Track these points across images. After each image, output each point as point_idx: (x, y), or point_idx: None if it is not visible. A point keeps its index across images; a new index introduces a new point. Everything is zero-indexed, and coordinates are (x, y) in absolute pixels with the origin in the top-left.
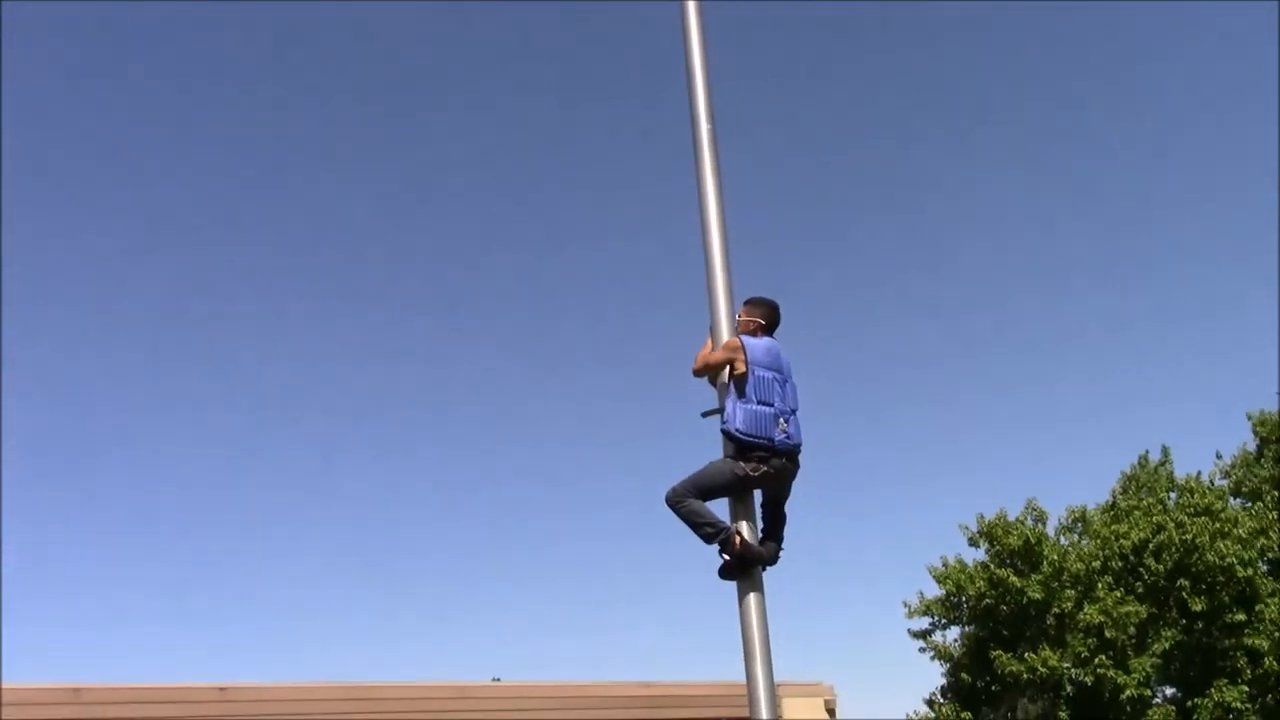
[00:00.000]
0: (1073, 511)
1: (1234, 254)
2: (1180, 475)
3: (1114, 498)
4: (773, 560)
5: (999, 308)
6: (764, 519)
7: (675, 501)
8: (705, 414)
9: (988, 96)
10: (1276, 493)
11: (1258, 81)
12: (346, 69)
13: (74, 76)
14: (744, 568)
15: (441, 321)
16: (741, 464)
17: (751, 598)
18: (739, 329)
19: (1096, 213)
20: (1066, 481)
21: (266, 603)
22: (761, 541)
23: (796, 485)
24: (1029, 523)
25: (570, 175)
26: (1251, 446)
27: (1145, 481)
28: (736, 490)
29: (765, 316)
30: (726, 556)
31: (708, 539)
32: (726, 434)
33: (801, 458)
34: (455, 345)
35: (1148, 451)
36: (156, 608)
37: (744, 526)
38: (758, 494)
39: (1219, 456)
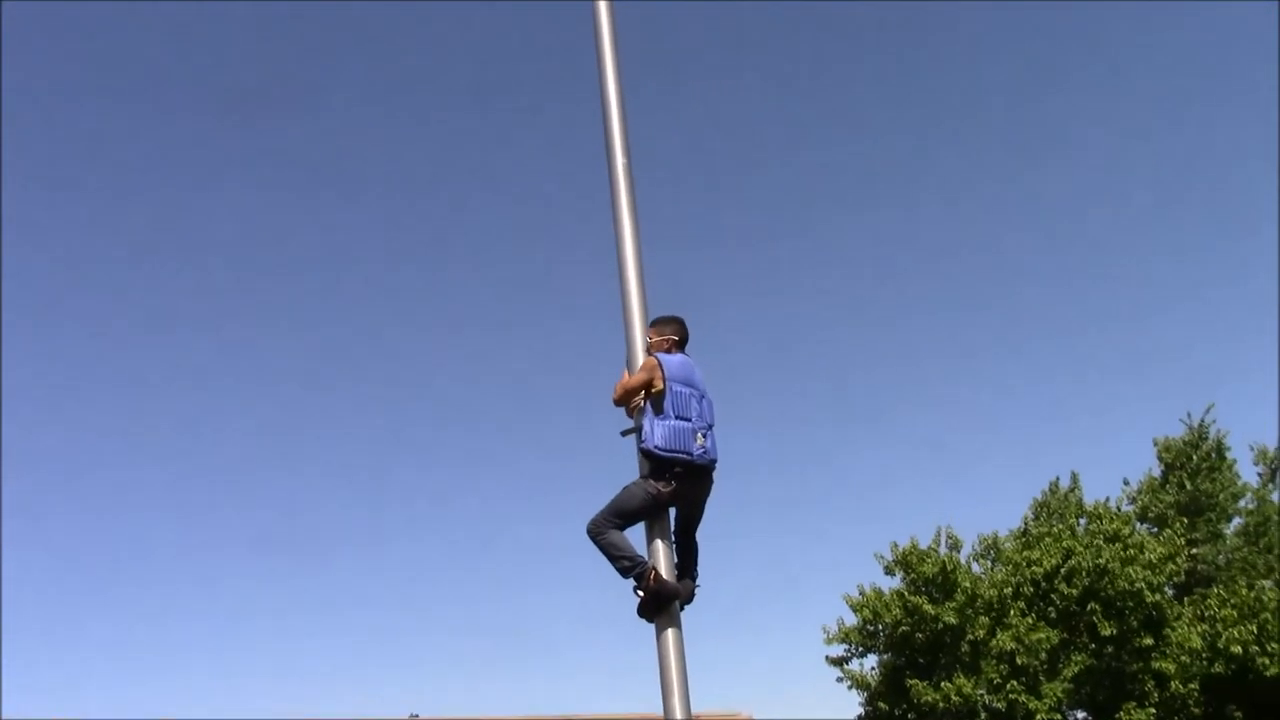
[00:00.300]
0: (985, 539)
1: (1144, 278)
2: (1089, 501)
3: (1025, 524)
4: (688, 598)
5: (914, 328)
6: (677, 551)
7: (595, 533)
8: (624, 432)
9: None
10: (1183, 519)
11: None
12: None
13: None
14: (660, 605)
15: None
16: (654, 483)
17: (669, 633)
18: (651, 349)
19: (1008, 235)
20: (979, 508)
21: (172, 640)
22: (679, 577)
23: (714, 508)
24: (943, 550)
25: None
26: (1157, 472)
27: (1056, 508)
28: (652, 511)
29: (677, 333)
30: (642, 593)
31: (624, 572)
32: (645, 452)
33: (716, 474)
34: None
35: (1058, 478)
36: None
37: (661, 559)
38: (673, 516)
39: (1126, 483)
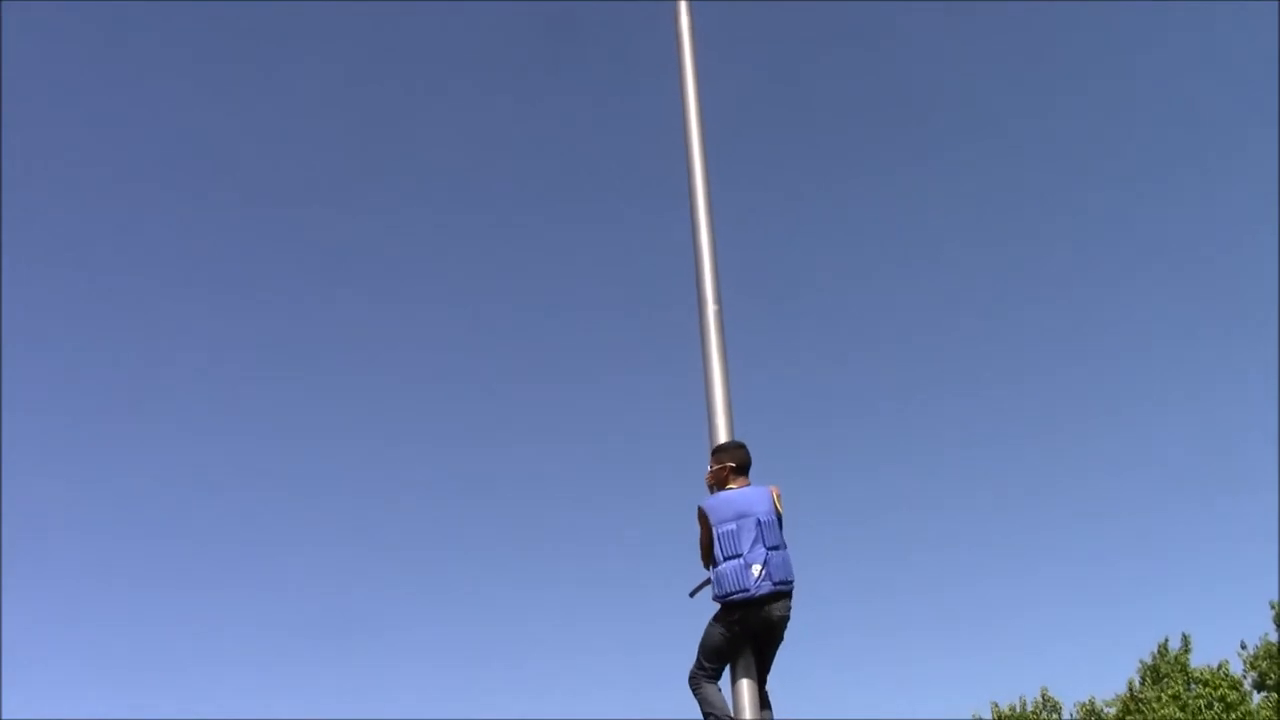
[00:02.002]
0: (1083, 706)
1: (1258, 429)
2: (1199, 664)
3: (1130, 689)
4: None
5: (1018, 484)
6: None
7: (692, 685)
8: (692, 593)
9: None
10: None
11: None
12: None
13: None
14: None
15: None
16: (722, 624)
17: None
18: (709, 480)
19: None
20: (1086, 666)
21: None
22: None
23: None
24: (1044, 715)
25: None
26: (1274, 637)
27: (1165, 671)
28: (730, 650)
29: (733, 459)
30: None
31: None
32: (716, 600)
33: (794, 596)
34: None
35: (1167, 639)
36: None
37: (746, 701)
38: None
39: (1243, 646)
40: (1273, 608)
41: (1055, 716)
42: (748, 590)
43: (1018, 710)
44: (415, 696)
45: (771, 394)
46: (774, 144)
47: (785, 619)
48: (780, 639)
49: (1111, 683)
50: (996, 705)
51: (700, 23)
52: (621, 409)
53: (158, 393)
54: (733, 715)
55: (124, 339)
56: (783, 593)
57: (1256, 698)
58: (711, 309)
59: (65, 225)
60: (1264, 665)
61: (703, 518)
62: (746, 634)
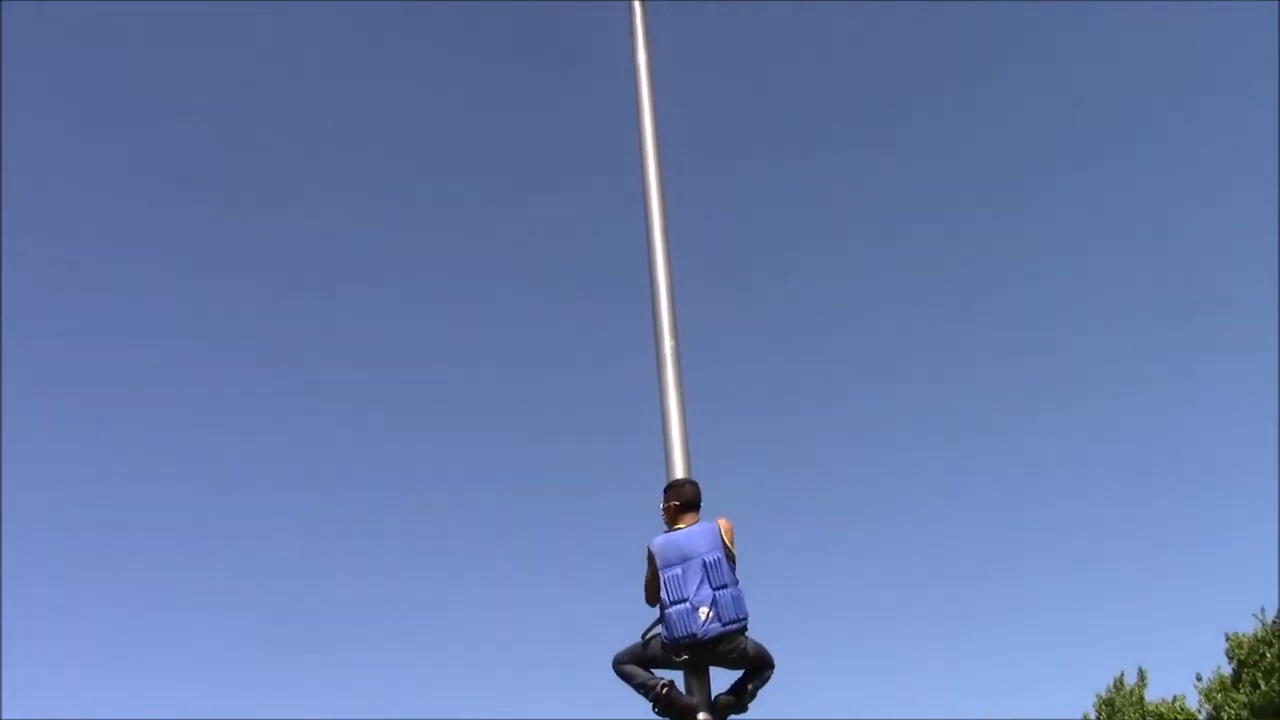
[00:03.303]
0: None
1: (1229, 469)
2: (1154, 698)
3: None
4: (723, 713)
5: (978, 520)
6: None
7: (615, 665)
8: (645, 636)
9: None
10: None
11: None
12: None
13: None
14: (676, 715)
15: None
16: (673, 658)
17: None
18: (664, 517)
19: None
20: (1042, 701)
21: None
22: (731, 691)
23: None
24: None
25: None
26: (1227, 670)
27: (1120, 705)
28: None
29: (678, 496)
30: (657, 710)
31: (644, 695)
32: (665, 643)
33: (740, 630)
34: None
35: (1123, 673)
36: None
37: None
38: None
39: (1199, 678)
40: (1227, 640)
41: None
42: (694, 635)
43: None
44: (412, 697)
45: (736, 390)
46: (729, 132)
47: (737, 650)
48: (750, 664)
49: (1070, 717)
50: None
51: (655, 24)
52: (615, 408)
53: (158, 393)
54: (660, 679)
55: (124, 338)
56: (732, 633)
57: None
58: (668, 344)
59: (65, 225)
60: (1219, 698)
61: (650, 560)
62: (692, 670)
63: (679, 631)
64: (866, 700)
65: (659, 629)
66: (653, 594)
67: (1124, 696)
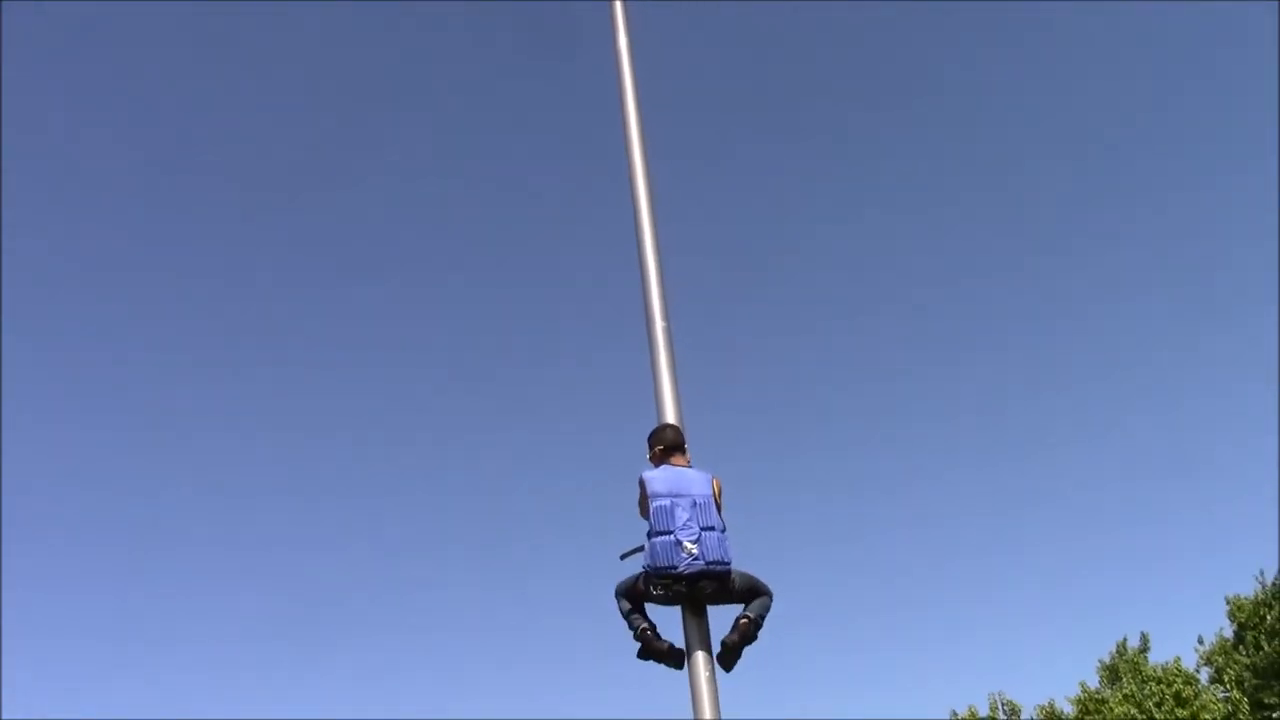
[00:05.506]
0: (1043, 709)
1: (1229, 434)
2: (1157, 662)
3: (1083, 689)
4: (744, 636)
5: (982, 483)
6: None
7: (616, 595)
8: (624, 555)
9: None
10: (1257, 681)
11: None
12: None
13: None
14: (655, 657)
15: None
16: (651, 589)
17: (703, 690)
18: (653, 465)
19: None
20: (1047, 668)
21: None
22: (735, 624)
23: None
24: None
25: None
26: (1229, 633)
27: (1123, 670)
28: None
29: (660, 441)
30: (638, 655)
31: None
32: (645, 569)
33: (723, 573)
34: None
35: (1126, 638)
36: None
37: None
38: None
39: (1200, 641)
40: (1228, 603)
41: (1015, 719)
42: (675, 568)
43: (978, 714)
44: (411, 697)
45: (727, 385)
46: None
47: (726, 587)
48: (739, 599)
49: (1074, 684)
50: (955, 713)
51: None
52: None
53: (157, 393)
54: (642, 621)
55: (124, 339)
56: (714, 573)
57: (1223, 694)
58: (660, 325)
59: (65, 225)
60: (1220, 660)
61: (642, 486)
62: (677, 601)
63: (660, 562)
64: (867, 669)
65: (641, 555)
66: (646, 513)
67: (1126, 661)
